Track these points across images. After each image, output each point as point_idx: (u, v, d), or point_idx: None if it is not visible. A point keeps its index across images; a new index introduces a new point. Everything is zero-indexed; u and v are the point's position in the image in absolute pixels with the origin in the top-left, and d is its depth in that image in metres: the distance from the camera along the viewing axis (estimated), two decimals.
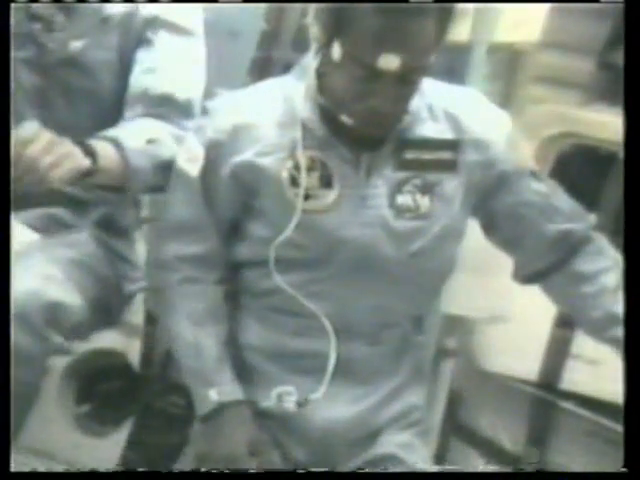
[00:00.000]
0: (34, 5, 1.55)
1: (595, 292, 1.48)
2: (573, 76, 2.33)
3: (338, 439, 1.48)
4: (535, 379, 2.17)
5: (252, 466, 1.38)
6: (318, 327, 1.44)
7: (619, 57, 2.34)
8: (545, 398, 2.18)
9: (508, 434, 2.19)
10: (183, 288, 1.47)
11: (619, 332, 1.41)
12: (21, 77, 1.58)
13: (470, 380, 2.07)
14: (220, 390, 1.42)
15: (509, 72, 2.27)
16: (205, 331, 1.45)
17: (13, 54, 1.51)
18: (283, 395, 1.45)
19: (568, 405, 2.15)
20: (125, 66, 1.62)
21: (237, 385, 1.43)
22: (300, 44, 1.42)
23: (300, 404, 1.44)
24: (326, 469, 1.41)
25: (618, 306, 1.43)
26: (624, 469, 1.07)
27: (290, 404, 1.45)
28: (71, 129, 1.44)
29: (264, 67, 1.59)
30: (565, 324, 2.12)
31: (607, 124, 2.17)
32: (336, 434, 1.47)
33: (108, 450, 1.73)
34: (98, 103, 1.63)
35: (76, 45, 1.58)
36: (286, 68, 1.74)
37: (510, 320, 2.08)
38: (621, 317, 1.41)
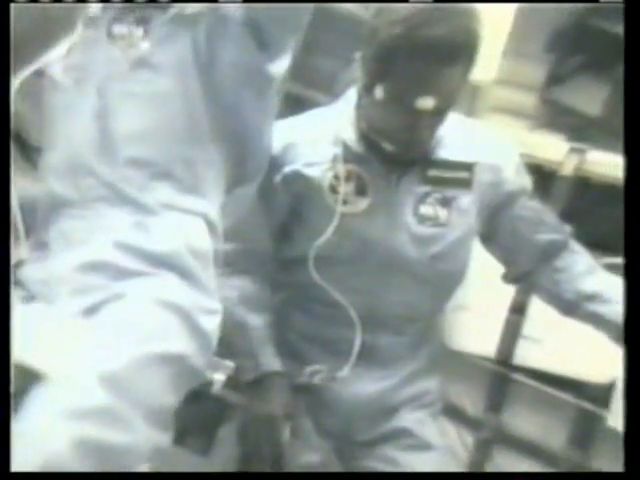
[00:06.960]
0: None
1: (567, 279, 1.58)
2: (521, 108, 2.54)
3: (362, 412, 1.59)
4: (492, 356, 2.39)
5: (286, 428, 1.50)
6: (349, 317, 1.54)
7: (557, 94, 2.55)
8: (501, 371, 2.40)
9: (470, 401, 2.41)
10: (235, 277, 1.56)
11: (589, 307, 1.54)
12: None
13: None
14: (263, 362, 1.52)
15: (470, 103, 2.40)
16: (253, 313, 1.55)
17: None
18: (315, 372, 1.57)
19: (520, 377, 2.37)
20: (203, 65, 1.30)
21: (278, 359, 1.53)
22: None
23: (328, 380, 1.57)
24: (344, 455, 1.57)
25: (586, 286, 1.55)
26: (624, 469, 1.07)
27: (319, 380, 1.57)
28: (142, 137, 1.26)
29: None
30: (517, 311, 2.35)
31: (549, 147, 2.38)
32: (361, 408, 1.58)
33: None
34: (168, 106, 1.29)
35: (145, 45, 1.30)
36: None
37: (472, 308, 2.31)
38: (590, 294, 1.54)
